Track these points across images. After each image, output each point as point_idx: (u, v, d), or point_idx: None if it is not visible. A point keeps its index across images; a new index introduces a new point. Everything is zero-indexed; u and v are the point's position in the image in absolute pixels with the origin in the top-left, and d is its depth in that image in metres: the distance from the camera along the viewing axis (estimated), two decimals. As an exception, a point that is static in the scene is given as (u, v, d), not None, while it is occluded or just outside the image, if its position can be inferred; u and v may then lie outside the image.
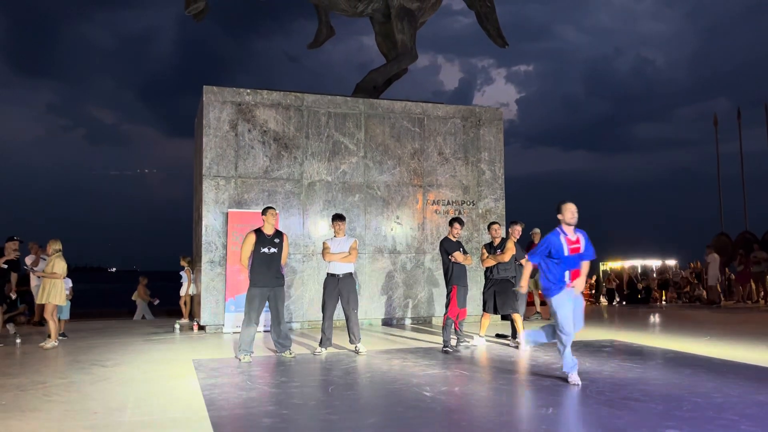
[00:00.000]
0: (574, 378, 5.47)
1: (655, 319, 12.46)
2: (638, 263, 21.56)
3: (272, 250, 7.24)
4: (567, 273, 5.51)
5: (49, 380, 6.02)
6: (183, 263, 12.01)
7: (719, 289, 16.32)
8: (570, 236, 5.54)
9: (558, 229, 5.59)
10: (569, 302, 5.53)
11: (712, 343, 8.22)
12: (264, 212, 7.36)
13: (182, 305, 11.96)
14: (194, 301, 11.61)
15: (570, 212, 5.53)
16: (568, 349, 5.56)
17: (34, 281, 11.06)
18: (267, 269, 7.18)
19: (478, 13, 13.20)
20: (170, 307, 14.72)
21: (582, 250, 5.58)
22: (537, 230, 12.49)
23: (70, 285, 9.85)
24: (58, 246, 8.75)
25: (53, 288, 8.58)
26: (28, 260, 11.05)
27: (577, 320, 5.60)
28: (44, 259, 10.78)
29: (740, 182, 21.28)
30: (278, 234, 7.39)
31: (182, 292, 11.96)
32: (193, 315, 11.58)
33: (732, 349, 7.60)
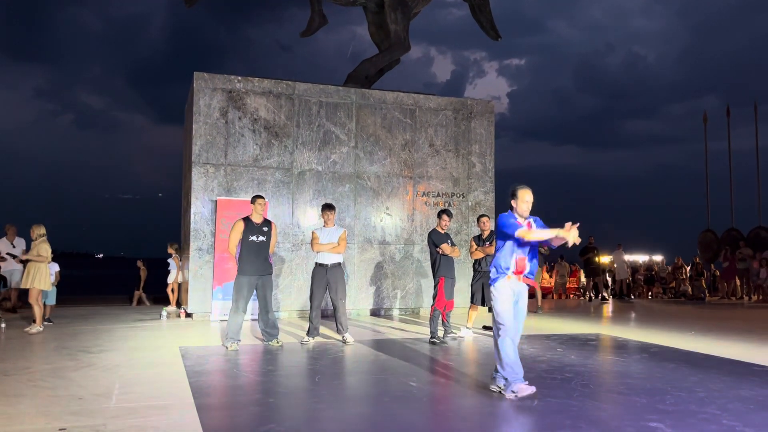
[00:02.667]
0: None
1: (640, 313, 12.57)
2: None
3: (261, 238, 7.21)
4: (514, 258, 4.85)
5: (34, 366, 5.99)
6: (170, 250, 11.94)
7: (625, 284, 17.49)
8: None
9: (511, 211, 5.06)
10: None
11: (696, 338, 8.31)
12: (253, 201, 7.34)
13: (169, 292, 11.90)
14: (182, 288, 11.57)
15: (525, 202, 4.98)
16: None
17: (1, 267, 10.94)
18: (255, 257, 7.16)
19: (472, 5, 13.19)
20: (157, 294, 14.65)
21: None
22: None
23: (57, 270, 9.78)
24: (42, 230, 8.68)
25: (38, 273, 8.52)
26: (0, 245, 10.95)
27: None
28: (13, 246, 10.75)
29: (728, 180, 21.47)
30: (267, 222, 7.38)
31: (170, 279, 11.89)
32: (180, 302, 11.54)
33: (715, 345, 7.69)
